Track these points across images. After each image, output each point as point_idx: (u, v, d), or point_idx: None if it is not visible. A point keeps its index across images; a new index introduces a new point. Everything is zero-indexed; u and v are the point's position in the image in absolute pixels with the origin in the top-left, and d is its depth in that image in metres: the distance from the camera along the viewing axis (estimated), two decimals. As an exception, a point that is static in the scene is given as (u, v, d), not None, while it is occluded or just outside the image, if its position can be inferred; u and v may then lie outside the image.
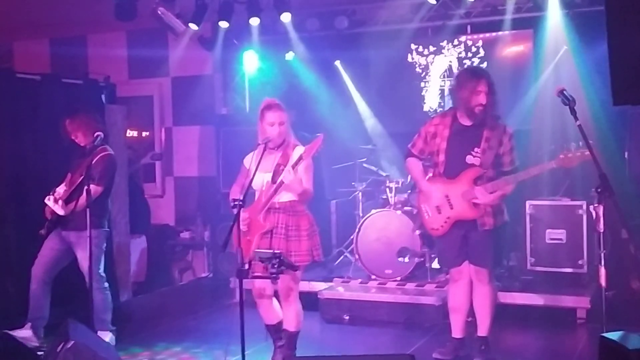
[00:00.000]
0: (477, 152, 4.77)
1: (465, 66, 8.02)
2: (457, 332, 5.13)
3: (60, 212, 5.42)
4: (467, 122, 4.85)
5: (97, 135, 5.38)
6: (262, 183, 4.80)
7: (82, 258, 5.43)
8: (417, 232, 6.81)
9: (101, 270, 5.63)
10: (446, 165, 4.88)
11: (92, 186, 5.18)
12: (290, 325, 4.91)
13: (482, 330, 5.04)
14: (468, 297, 5.08)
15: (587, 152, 4.29)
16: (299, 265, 4.75)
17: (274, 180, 4.72)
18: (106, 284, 5.67)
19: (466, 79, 4.88)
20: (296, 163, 4.59)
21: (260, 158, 4.71)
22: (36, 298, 5.60)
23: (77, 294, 5.83)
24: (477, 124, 4.81)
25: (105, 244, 5.75)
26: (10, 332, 5.44)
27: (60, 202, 5.42)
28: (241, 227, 4.78)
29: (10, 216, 6.43)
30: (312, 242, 4.84)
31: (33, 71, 6.98)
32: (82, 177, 5.25)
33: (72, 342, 4.06)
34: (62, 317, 5.16)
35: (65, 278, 5.69)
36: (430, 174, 5.19)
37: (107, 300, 5.66)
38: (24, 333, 5.52)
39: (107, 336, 5.60)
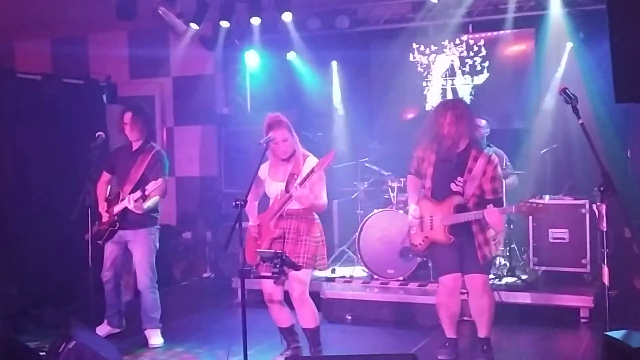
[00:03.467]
0: (459, 181, 4.83)
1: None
2: (451, 332, 5.17)
3: (139, 210, 5.51)
4: (452, 149, 4.88)
5: (99, 135, 5.42)
6: (277, 192, 4.90)
7: (138, 255, 5.70)
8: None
9: (152, 269, 5.77)
10: (432, 190, 4.96)
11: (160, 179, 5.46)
12: (308, 323, 4.97)
13: (483, 332, 5.05)
14: (459, 302, 5.13)
15: (541, 205, 4.57)
16: (308, 267, 4.82)
17: (287, 190, 4.80)
18: (156, 284, 5.83)
19: (434, 112, 5.01)
20: (307, 177, 4.66)
21: (262, 158, 4.79)
22: (111, 297, 5.86)
23: (78, 295, 5.83)
24: (463, 152, 4.85)
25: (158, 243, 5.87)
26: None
27: (134, 201, 5.47)
28: (253, 232, 4.89)
29: (12, 216, 6.42)
30: (319, 250, 4.92)
31: (34, 71, 6.98)
32: (141, 175, 5.53)
33: (74, 342, 4.06)
34: (63, 317, 5.17)
35: (67, 278, 5.68)
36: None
37: (157, 299, 5.83)
38: (104, 329, 5.85)
39: (158, 334, 5.80)
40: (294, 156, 4.92)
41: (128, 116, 5.65)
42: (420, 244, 5.03)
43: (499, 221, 4.70)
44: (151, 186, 5.42)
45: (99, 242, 5.70)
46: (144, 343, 5.77)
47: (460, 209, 4.81)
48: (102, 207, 5.73)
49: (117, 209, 5.60)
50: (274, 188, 4.94)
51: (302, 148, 4.98)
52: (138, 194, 5.44)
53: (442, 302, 5.11)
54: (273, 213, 4.86)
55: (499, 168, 4.88)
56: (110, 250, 5.75)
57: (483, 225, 4.81)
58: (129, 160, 5.65)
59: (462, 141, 4.84)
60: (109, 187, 5.83)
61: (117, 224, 5.62)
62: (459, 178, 4.83)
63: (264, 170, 4.99)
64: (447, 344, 5.16)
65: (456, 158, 4.86)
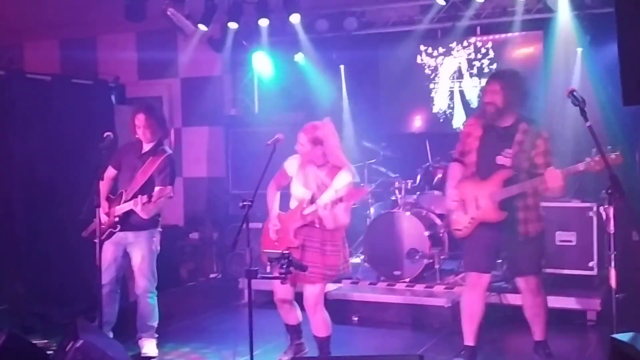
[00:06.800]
0: (507, 153, 4.65)
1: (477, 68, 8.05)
2: (470, 339, 4.95)
3: (146, 215, 5.27)
4: (500, 124, 4.74)
5: (107, 136, 5.33)
6: (303, 198, 4.84)
7: (139, 258, 5.44)
8: (426, 233, 6.80)
9: (152, 274, 5.53)
10: (478, 165, 4.77)
11: (169, 188, 5.23)
12: (320, 332, 4.96)
13: (540, 335, 4.92)
14: (484, 304, 4.94)
15: (614, 156, 4.23)
16: (329, 279, 4.87)
17: (312, 200, 4.76)
18: (155, 289, 5.57)
19: (487, 81, 4.84)
20: (335, 203, 4.59)
21: (270, 157, 4.75)
22: (107, 305, 5.40)
23: (86, 294, 5.85)
24: (511, 126, 4.71)
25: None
26: None
27: (142, 204, 5.20)
28: (271, 233, 4.85)
29: (21, 217, 6.45)
30: (342, 255, 4.90)
31: (43, 72, 7.00)
32: (148, 178, 5.31)
33: (81, 341, 4.07)
34: (71, 316, 5.19)
35: (73, 277, 5.70)
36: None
37: (156, 306, 5.57)
38: None
39: (153, 344, 5.55)
40: (327, 165, 4.82)
41: (141, 118, 5.41)
42: (465, 227, 4.78)
43: (562, 184, 4.45)
44: (158, 193, 5.20)
45: (94, 240, 5.33)
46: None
47: (511, 182, 4.63)
48: (103, 206, 5.40)
49: (119, 210, 5.34)
50: (300, 192, 4.86)
51: (340, 157, 4.84)
52: (145, 198, 5.19)
53: (464, 297, 4.98)
54: (294, 221, 4.81)
55: (550, 143, 4.69)
56: (110, 251, 5.42)
57: (528, 203, 4.69)
58: (138, 161, 5.44)
59: (509, 114, 4.70)
60: (111, 184, 5.59)
61: (118, 225, 5.35)
62: (506, 150, 4.66)
63: (292, 167, 4.92)
64: (462, 352, 4.98)
65: (503, 131, 4.71)
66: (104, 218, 5.35)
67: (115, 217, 5.37)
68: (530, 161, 4.65)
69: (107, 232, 5.37)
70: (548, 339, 4.95)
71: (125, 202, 5.34)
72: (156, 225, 5.53)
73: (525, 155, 4.64)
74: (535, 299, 4.85)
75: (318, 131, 4.80)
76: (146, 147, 5.50)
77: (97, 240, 5.18)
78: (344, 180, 4.72)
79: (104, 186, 5.49)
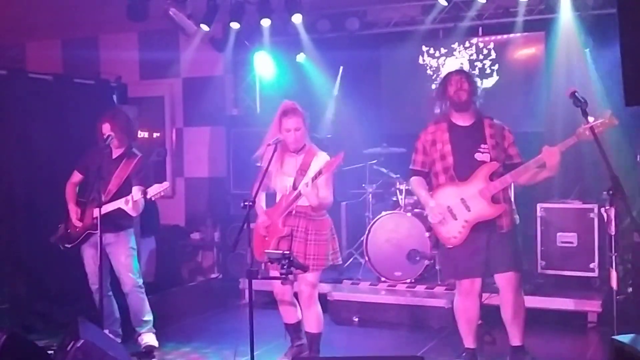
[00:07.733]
0: (484, 148, 4.65)
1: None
2: (470, 342, 4.92)
3: (135, 213, 5.39)
4: (464, 123, 4.76)
5: (109, 136, 5.38)
6: (285, 187, 4.89)
7: (122, 257, 5.54)
8: (427, 234, 6.79)
9: (137, 270, 5.63)
10: (455, 166, 4.69)
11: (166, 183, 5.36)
12: (311, 327, 4.98)
13: (518, 339, 4.84)
14: (479, 308, 4.90)
15: (607, 120, 4.26)
16: (317, 268, 4.82)
17: (294, 187, 4.79)
18: (141, 283, 5.65)
19: (448, 77, 4.87)
20: (315, 177, 4.64)
21: (271, 158, 4.78)
22: (106, 308, 5.52)
23: (86, 293, 5.84)
24: (475, 123, 4.74)
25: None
26: None
27: (133, 202, 5.31)
28: (261, 231, 4.84)
29: (22, 217, 6.45)
30: (331, 246, 4.92)
31: (45, 71, 7.01)
32: (124, 180, 5.40)
33: (82, 340, 4.07)
34: (72, 315, 5.19)
35: (74, 276, 5.70)
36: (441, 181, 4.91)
37: (146, 300, 5.64)
38: None
39: (153, 336, 5.62)
40: (304, 150, 4.91)
41: (107, 128, 5.46)
42: (459, 232, 4.65)
43: (559, 160, 4.45)
44: (155, 189, 5.24)
45: (67, 245, 5.54)
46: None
47: (495, 175, 4.62)
48: (75, 210, 5.53)
49: (102, 210, 5.26)
50: (281, 182, 4.91)
51: (313, 144, 4.96)
52: (138, 195, 5.27)
53: (458, 304, 4.91)
54: (281, 210, 4.85)
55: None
56: (91, 255, 5.52)
57: (505, 195, 4.68)
58: (111, 165, 5.48)
59: (470, 111, 4.75)
60: (76, 189, 5.68)
61: (97, 227, 5.27)
62: (482, 145, 4.66)
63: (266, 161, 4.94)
64: (463, 355, 4.96)
65: (470, 129, 4.73)
66: (77, 221, 5.50)
67: (94, 218, 5.37)
68: (504, 153, 4.70)
69: (84, 235, 5.47)
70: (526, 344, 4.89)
71: (106, 203, 5.35)
72: (132, 224, 5.64)
73: (499, 147, 4.69)
74: (518, 297, 4.79)
75: (302, 109, 4.96)
76: (117, 151, 5.58)
77: (68, 245, 5.45)
78: (322, 159, 4.78)
79: (71, 191, 5.65)
